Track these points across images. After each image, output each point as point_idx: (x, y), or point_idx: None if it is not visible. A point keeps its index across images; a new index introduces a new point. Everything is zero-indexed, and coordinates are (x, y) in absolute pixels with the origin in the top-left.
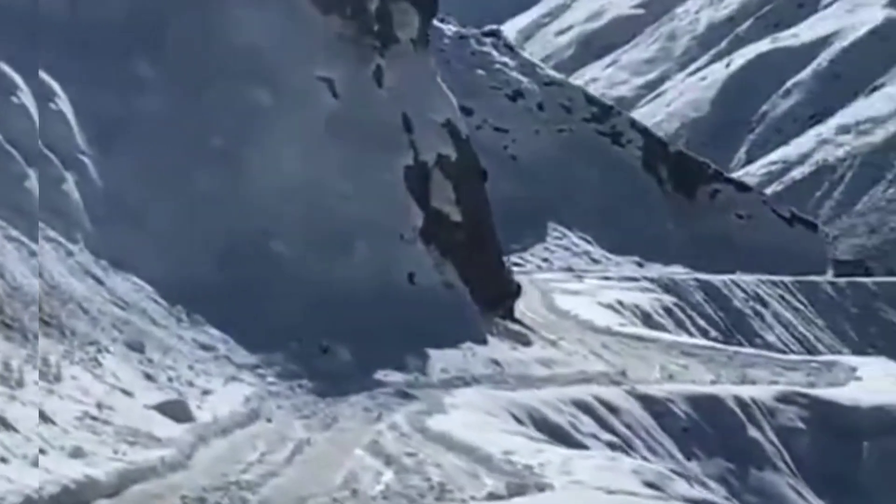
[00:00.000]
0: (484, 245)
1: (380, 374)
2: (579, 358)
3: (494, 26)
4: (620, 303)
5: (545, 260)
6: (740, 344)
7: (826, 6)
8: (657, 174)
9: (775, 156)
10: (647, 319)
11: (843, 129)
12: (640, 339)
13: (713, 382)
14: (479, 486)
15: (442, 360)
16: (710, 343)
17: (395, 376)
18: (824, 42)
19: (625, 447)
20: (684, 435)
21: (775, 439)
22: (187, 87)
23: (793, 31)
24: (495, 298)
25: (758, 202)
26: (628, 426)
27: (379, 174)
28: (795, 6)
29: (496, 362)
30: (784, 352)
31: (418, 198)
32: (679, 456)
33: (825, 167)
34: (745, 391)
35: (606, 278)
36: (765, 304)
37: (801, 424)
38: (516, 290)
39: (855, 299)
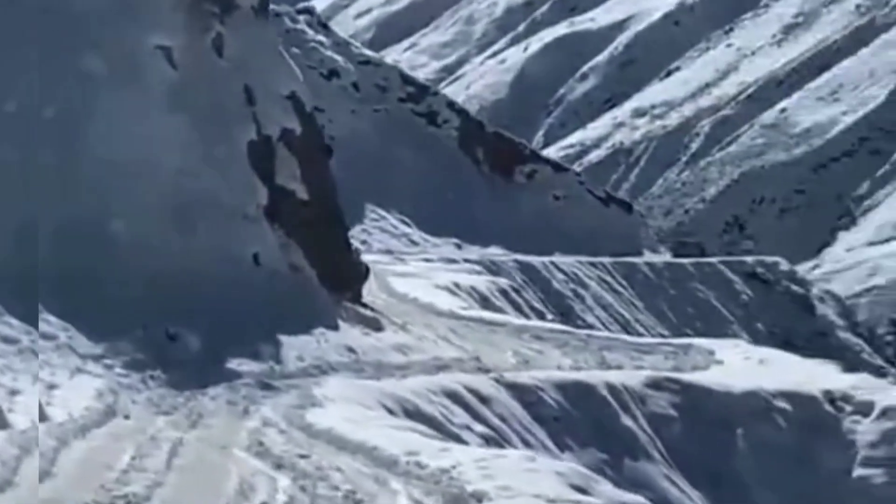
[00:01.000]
0: (331, 225)
1: (233, 364)
2: (430, 343)
3: (307, 2)
4: (457, 285)
5: (363, 242)
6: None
7: None
8: (474, 155)
9: (573, 139)
10: (484, 302)
11: (639, 113)
12: (486, 322)
13: (578, 368)
14: (390, 495)
15: (295, 347)
16: (561, 326)
17: (250, 365)
18: (620, 26)
19: (499, 439)
20: (556, 424)
21: (648, 427)
22: (16, 57)
23: (589, 15)
24: (343, 281)
25: (574, 183)
26: (500, 416)
27: (221, 149)
28: None
29: (351, 349)
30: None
31: (262, 174)
32: (552, 447)
33: (621, 150)
34: (615, 377)
35: (427, 260)
36: (584, 286)
37: (672, 412)
38: (364, 273)
39: (672, 280)
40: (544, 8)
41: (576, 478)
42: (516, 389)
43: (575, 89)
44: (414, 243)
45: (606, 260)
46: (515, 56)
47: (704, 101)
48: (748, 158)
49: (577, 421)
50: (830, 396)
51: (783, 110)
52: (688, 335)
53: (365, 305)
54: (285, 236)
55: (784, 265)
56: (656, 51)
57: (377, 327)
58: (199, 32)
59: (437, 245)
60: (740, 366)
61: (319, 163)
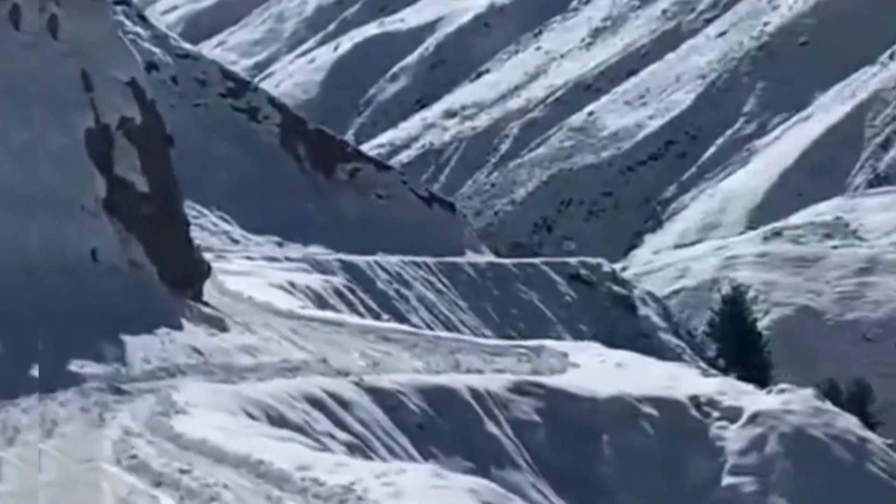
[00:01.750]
0: (172, 219)
1: (76, 366)
2: (276, 344)
3: None
4: (292, 284)
5: None
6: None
7: None
8: (295, 152)
9: (383, 139)
10: (320, 301)
11: (449, 114)
12: (329, 322)
13: (435, 372)
14: None
15: (140, 348)
16: (406, 327)
17: (94, 368)
18: (431, 27)
19: (363, 447)
20: (420, 432)
21: (512, 434)
22: None
23: (400, 15)
24: (184, 279)
25: (397, 181)
26: (363, 423)
27: (56, 137)
28: None
29: (197, 350)
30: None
31: (100, 165)
32: (416, 455)
33: (431, 151)
34: (477, 382)
35: (249, 258)
36: (408, 286)
37: (536, 417)
38: (206, 271)
39: (496, 281)
40: (355, 8)
41: (489, 495)
42: (377, 394)
43: (385, 89)
44: (234, 241)
45: (430, 260)
46: (326, 55)
47: (513, 104)
48: (556, 161)
49: (441, 428)
50: (697, 402)
51: (591, 113)
52: (511, 336)
53: (207, 304)
54: (125, 231)
55: (606, 266)
56: (466, 53)
57: (222, 327)
58: (31, 13)
59: (259, 243)
60: (598, 369)
61: (160, 154)
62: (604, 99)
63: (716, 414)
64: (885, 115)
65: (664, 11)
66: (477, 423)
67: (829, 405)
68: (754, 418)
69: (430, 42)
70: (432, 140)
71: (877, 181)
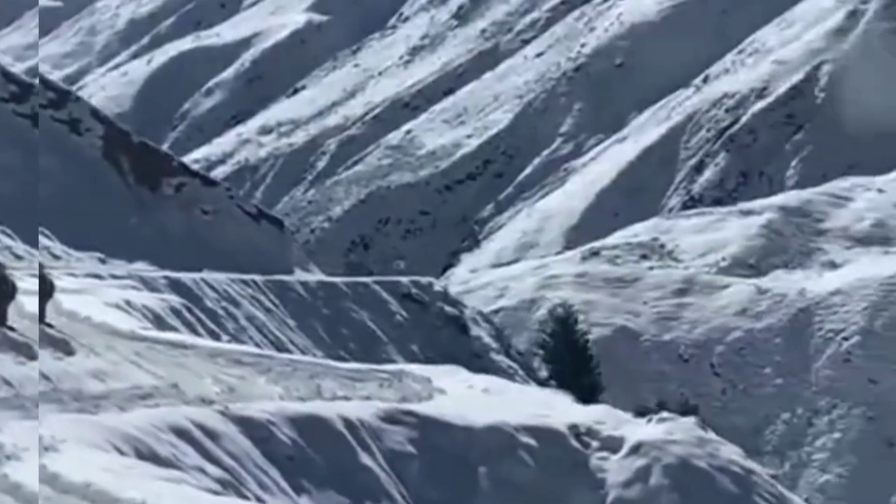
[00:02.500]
0: None
1: None
2: (125, 369)
3: None
4: (129, 303)
5: None
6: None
7: (248, 7)
8: (119, 165)
9: (198, 154)
10: (159, 322)
11: (265, 130)
12: (176, 345)
13: (301, 399)
14: None
15: None
16: (258, 350)
17: None
18: (247, 42)
19: (235, 483)
20: (291, 464)
21: (386, 466)
22: None
23: (216, 30)
24: None
25: (224, 197)
26: (233, 456)
27: None
28: (218, 5)
29: (45, 377)
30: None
31: None
32: (288, 489)
33: (247, 167)
34: (348, 410)
35: (72, 275)
36: (237, 305)
37: (411, 448)
38: (11, 291)
39: (326, 300)
40: (169, 22)
41: None
42: (245, 424)
43: (200, 104)
44: (55, 257)
45: (258, 278)
46: (139, 69)
47: (331, 121)
48: (374, 179)
49: (313, 460)
50: (576, 431)
51: (409, 132)
52: (343, 357)
53: (50, 326)
54: None
55: (438, 286)
56: (283, 69)
57: (68, 350)
58: None
59: (81, 259)
60: (466, 395)
61: None
62: (422, 117)
63: (596, 444)
64: (699, 137)
65: (482, 31)
66: (350, 455)
67: (711, 434)
68: (637, 449)
69: (247, 57)
70: (248, 156)
71: (691, 203)
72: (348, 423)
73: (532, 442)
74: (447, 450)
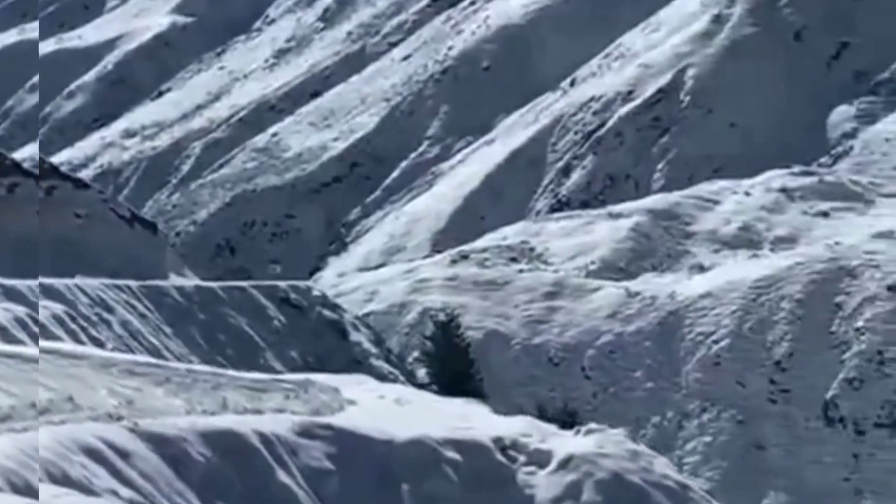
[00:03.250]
0: None
1: None
2: (13, 382)
3: None
4: (6, 310)
5: None
6: None
7: (112, 9)
8: None
9: (60, 158)
10: (43, 331)
11: (129, 133)
12: (64, 355)
13: (209, 413)
14: None
15: None
16: (152, 359)
17: None
18: (111, 45)
19: (143, 500)
20: (205, 484)
21: (304, 483)
22: None
23: (78, 32)
24: None
25: (97, 201)
26: (145, 476)
27: None
28: (81, 7)
29: None
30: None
31: None
32: None
33: (110, 171)
34: (262, 424)
35: None
36: (111, 311)
37: (329, 464)
38: None
39: (202, 305)
40: (32, 24)
41: None
42: (156, 441)
43: (62, 107)
44: None
45: (133, 283)
46: None
47: (196, 123)
48: (240, 182)
49: (229, 479)
50: (501, 444)
51: (275, 134)
52: (221, 363)
53: None
54: None
55: (316, 290)
56: (147, 71)
57: None
58: None
59: None
60: (378, 406)
61: None
62: (287, 120)
63: (522, 458)
64: (566, 140)
65: (349, 34)
66: (267, 473)
67: (642, 447)
68: (566, 463)
69: (110, 60)
70: (111, 159)
71: (558, 206)
72: (264, 438)
73: (456, 456)
74: (366, 465)
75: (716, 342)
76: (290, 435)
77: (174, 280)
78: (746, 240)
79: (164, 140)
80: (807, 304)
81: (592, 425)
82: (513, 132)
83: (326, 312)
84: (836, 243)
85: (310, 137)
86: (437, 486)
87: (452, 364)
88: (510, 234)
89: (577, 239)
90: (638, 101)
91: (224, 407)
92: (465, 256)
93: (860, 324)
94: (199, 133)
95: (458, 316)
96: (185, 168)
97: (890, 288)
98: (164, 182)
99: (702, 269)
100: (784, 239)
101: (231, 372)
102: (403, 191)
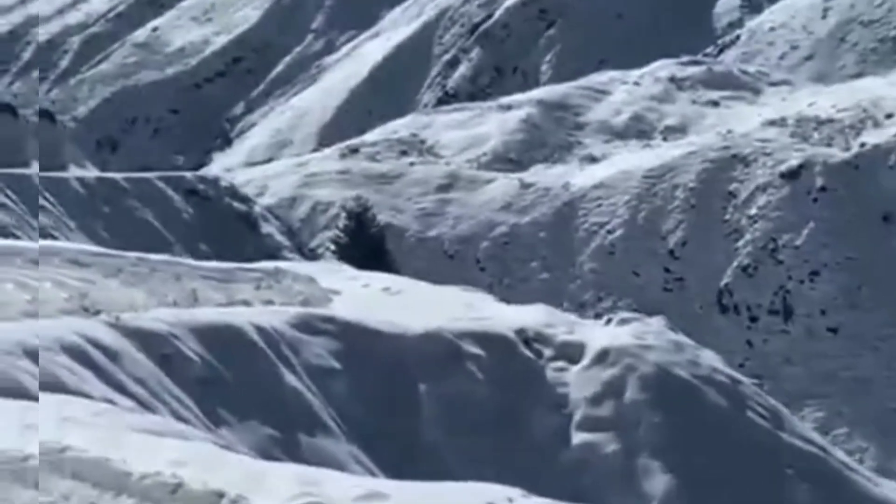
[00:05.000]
0: None
1: None
2: None
3: None
4: None
5: None
6: None
7: None
8: None
9: None
10: None
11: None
12: None
13: (180, 305)
14: None
15: None
16: (96, 248)
17: None
18: None
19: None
20: (203, 389)
21: (313, 385)
22: None
23: None
24: None
25: None
26: (138, 381)
27: None
28: None
29: None
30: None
31: None
32: (205, 420)
33: None
34: (262, 317)
35: None
36: (10, 204)
37: (335, 363)
38: None
39: (106, 197)
40: None
41: None
42: (141, 338)
43: None
44: None
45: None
46: None
47: (73, 18)
48: (120, 77)
49: (228, 382)
50: (525, 336)
51: (155, 29)
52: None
53: None
54: None
55: (225, 181)
56: None
57: None
58: None
59: None
60: (369, 296)
61: None
62: (168, 14)
63: (548, 352)
64: (452, 33)
65: None
66: (271, 374)
67: (683, 337)
68: (603, 357)
69: None
70: None
71: (445, 99)
72: (263, 333)
73: (477, 350)
74: (377, 362)
75: (610, 232)
76: (289, 329)
77: (75, 171)
78: (637, 130)
79: (41, 35)
80: (700, 193)
81: (626, 314)
82: (398, 25)
83: (236, 204)
84: (728, 132)
85: (191, 31)
86: (459, 385)
87: (367, 255)
88: (400, 127)
89: (467, 131)
90: None
91: (194, 299)
92: (354, 150)
93: (753, 211)
94: (76, 28)
95: (371, 206)
96: (64, 64)
97: (782, 175)
98: (42, 78)
99: (593, 159)
100: (675, 129)
101: (188, 261)
102: (288, 85)
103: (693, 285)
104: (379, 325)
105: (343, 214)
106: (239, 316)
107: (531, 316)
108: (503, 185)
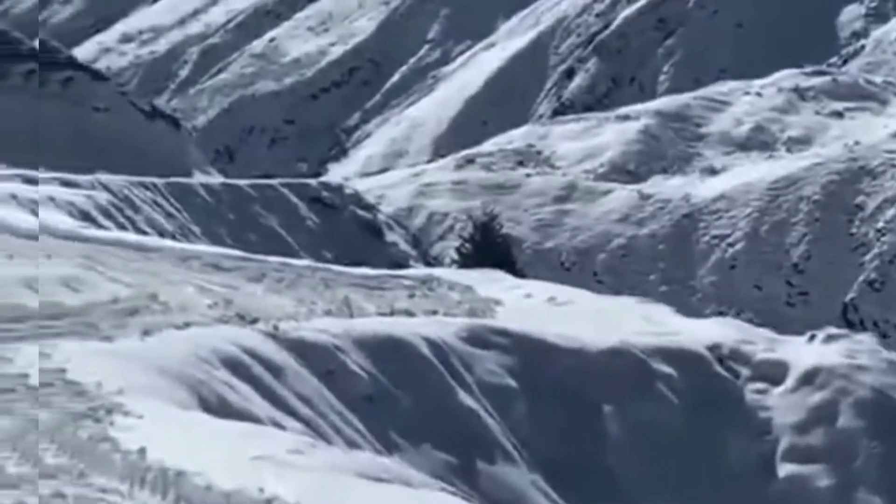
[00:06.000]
0: None
1: None
2: (89, 275)
3: None
4: (52, 199)
5: None
6: None
7: None
8: None
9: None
10: (88, 219)
11: (127, 38)
12: (133, 247)
13: (333, 314)
14: None
15: None
16: (235, 252)
17: None
18: None
19: (313, 436)
20: (370, 407)
21: (488, 405)
22: None
23: None
24: None
25: (115, 93)
26: (304, 399)
27: None
28: None
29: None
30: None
31: None
32: (377, 445)
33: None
34: (428, 328)
35: None
36: (136, 209)
37: (510, 380)
38: None
39: (231, 204)
40: None
41: None
42: (303, 351)
43: (59, 13)
44: None
45: (158, 180)
46: None
47: (193, 28)
48: (238, 87)
49: (398, 400)
50: (719, 354)
51: (272, 39)
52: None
53: None
54: None
55: (349, 189)
56: None
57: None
58: None
59: None
60: (535, 308)
61: None
62: (285, 25)
63: (746, 371)
64: (568, 43)
65: None
66: (443, 392)
67: None
68: (810, 378)
69: None
70: (109, 65)
71: (561, 109)
72: (434, 346)
73: (668, 370)
74: (555, 382)
75: (731, 245)
76: (459, 342)
77: (200, 178)
78: (759, 141)
79: (161, 45)
80: (825, 206)
81: (832, 329)
82: (514, 35)
83: (360, 212)
84: (855, 143)
85: (308, 42)
86: (649, 408)
87: (493, 264)
88: (516, 137)
89: (584, 142)
90: (642, 2)
91: (348, 308)
92: (470, 160)
93: (881, 224)
94: (196, 38)
95: (497, 215)
96: (183, 73)
97: None
98: (163, 87)
99: (713, 171)
100: (798, 140)
101: (332, 266)
102: (403, 96)
103: (817, 300)
104: (556, 339)
105: (468, 223)
106: (405, 327)
107: (722, 331)
108: (621, 196)
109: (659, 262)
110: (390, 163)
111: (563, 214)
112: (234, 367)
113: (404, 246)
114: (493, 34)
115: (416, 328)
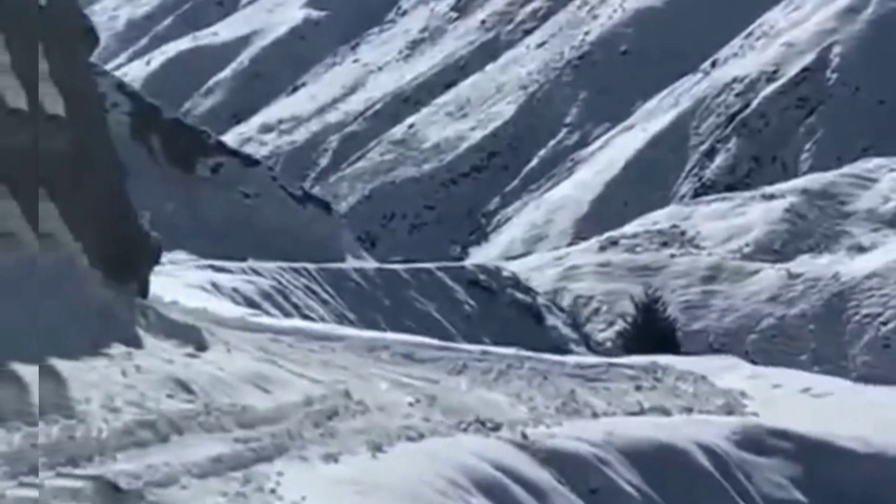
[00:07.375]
0: (100, 167)
1: None
2: (274, 370)
3: None
4: (215, 285)
5: None
6: None
7: (245, 5)
8: (148, 144)
9: None
10: (252, 306)
11: (266, 128)
12: (313, 336)
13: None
14: None
15: (84, 383)
16: (426, 339)
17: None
18: (246, 41)
19: None
20: None
21: None
22: None
23: (213, 29)
24: (125, 264)
25: (266, 178)
26: None
27: None
28: (215, 4)
29: (182, 384)
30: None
31: None
32: None
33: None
34: (698, 431)
35: None
36: (288, 296)
37: (798, 494)
38: (156, 249)
39: (386, 289)
40: (166, 22)
41: None
42: (561, 464)
43: (200, 104)
44: None
45: (310, 266)
46: (138, 70)
47: (332, 117)
48: (378, 174)
49: None
50: None
51: (411, 126)
52: None
53: (174, 303)
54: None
55: (507, 272)
56: (282, 66)
57: (199, 343)
58: None
59: None
60: (789, 401)
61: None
62: (424, 111)
63: None
64: (708, 123)
65: (483, 22)
66: None
67: None
68: None
69: (245, 55)
70: (250, 155)
71: (703, 189)
72: (710, 454)
73: None
74: (853, 495)
75: (884, 323)
76: (734, 448)
77: (353, 263)
78: None
79: (301, 134)
80: None
81: None
82: (653, 117)
83: (519, 295)
84: None
85: (447, 128)
86: None
87: (657, 347)
88: (660, 218)
89: (729, 222)
90: (783, 81)
91: (574, 403)
92: (614, 242)
93: None
94: (335, 126)
95: (661, 297)
96: (324, 162)
97: None
98: (303, 176)
99: (862, 248)
100: None
101: (532, 354)
102: (542, 179)
103: None
104: (847, 442)
105: (616, 305)
106: (668, 430)
107: None
108: (769, 275)
109: (810, 343)
110: (531, 246)
111: (710, 295)
112: (490, 490)
113: (565, 329)
114: (631, 116)
115: (682, 431)
